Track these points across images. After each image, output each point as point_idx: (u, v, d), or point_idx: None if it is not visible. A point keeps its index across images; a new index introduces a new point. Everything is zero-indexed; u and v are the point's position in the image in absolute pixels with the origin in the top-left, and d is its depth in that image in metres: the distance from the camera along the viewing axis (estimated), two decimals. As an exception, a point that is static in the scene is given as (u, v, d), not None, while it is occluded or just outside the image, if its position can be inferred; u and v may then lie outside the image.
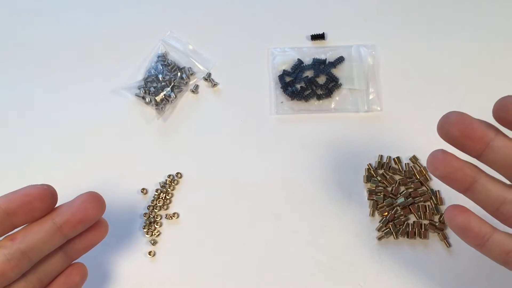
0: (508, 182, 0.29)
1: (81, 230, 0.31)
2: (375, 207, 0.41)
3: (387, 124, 0.45)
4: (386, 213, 0.41)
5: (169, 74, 0.47)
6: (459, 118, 0.27)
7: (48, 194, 0.29)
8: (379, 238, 0.40)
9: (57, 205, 0.30)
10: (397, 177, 0.43)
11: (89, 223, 0.30)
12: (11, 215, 0.28)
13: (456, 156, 0.28)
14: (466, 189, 0.29)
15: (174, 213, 0.42)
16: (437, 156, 0.28)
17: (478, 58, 0.47)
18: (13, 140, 0.45)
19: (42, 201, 0.29)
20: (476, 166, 0.29)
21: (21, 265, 0.29)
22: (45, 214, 0.30)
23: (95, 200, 0.30)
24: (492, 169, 0.28)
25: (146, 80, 0.47)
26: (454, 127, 0.27)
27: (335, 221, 0.41)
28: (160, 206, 0.42)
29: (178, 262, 0.40)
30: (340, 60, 0.47)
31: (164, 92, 0.46)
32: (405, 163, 0.43)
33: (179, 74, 0.47)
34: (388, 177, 0.42)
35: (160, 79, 0.46)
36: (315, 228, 0.41)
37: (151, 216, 0.42)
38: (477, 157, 0.28)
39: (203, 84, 0.47)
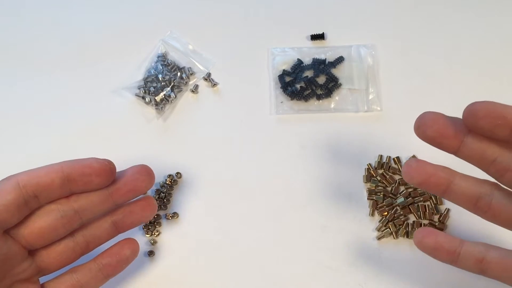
0: (480, 178, 0.30)
1: (130, 199, 0.33)
2: (375, 207, 0.41)
3: (387, 124, 0.45)
4: (386, 213, 0.41)
5: (169, 74, 0.47)
6: (434, 119, 0.28)
7: (107, 170, 0.30)
8: (379, 238, 0.40)
9: None
10: (397, 177, 0.43)
11: (138, 194, 0.33)
12: (71, 181, 0.30)
13: (428, 163, 0.30)
14: (443, 192, 0.30)
15: (174, 213, 0.42)
16: (411, 165, 0.30)
17: (478, 58, 0.47)
18: (13, 140, 0.45)
19: (101, 176, 0.30)
20: (448, 168, 0.30)
21: (72, 222, 0.31)
22: (101, 187, 0.31)
23: (145, 173, 0.32)
24: (469, 163, 0.29)
25: (146, 80, 0.47)
26: (429, 128, 0.28)
27: (335, 221, 0.41)
28: (160, 206, 0.42)
29: (178, 262, 0.40)
30: (340, 60, 0.47)
31: (164, 92, 0.46)
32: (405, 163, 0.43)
33: (179, 74, 0.47)
34: (388, 177, 0.42)
35: (160, 79, 0.46)
36: (315, 228, 0.41)
37: (151, 216, 0.42)
38: (454, 153, 0.29)
39: (203, 84, 0.47)
